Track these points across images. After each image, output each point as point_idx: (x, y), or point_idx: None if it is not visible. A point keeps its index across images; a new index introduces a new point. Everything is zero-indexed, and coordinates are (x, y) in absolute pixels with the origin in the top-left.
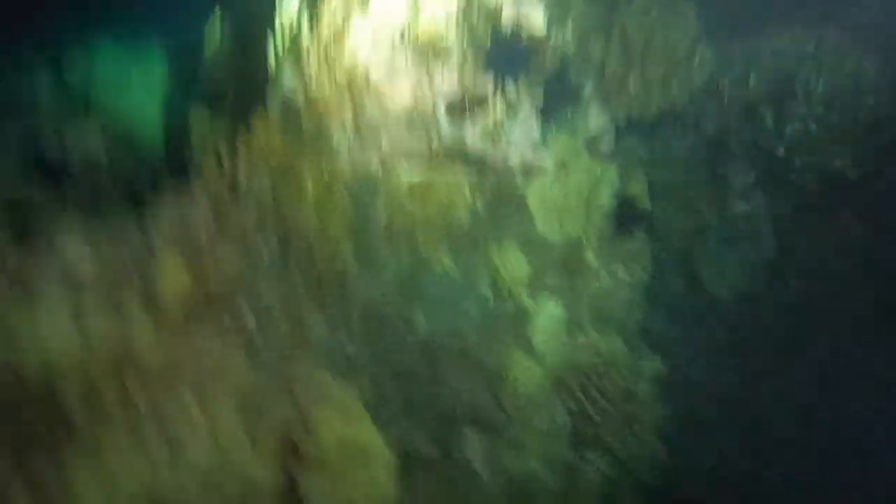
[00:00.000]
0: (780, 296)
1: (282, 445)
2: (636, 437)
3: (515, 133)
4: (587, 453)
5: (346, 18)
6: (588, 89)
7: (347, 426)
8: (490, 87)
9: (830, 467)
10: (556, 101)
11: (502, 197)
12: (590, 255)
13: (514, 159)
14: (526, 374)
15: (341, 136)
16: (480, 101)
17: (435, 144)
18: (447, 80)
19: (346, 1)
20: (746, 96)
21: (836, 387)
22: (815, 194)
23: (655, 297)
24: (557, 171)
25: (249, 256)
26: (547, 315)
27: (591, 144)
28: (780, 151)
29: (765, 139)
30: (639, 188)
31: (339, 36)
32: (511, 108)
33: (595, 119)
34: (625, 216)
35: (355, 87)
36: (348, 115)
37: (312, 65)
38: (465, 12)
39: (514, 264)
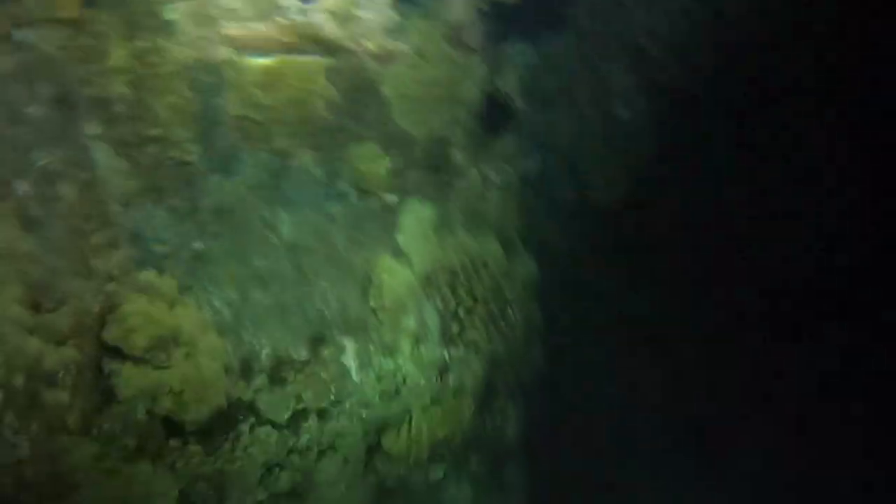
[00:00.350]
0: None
1: (76, 328)
2: (506, 337)
3: (369, 15)
4: (457, 353)
5: None
6: None
7: (166, 315)
8: None
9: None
10: None
11: (359, 87)
12: (457, 154)
13: (369, 45)
14: (394, 275)
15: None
16: None
17: (282, 23)
18: None
19: None
20: None
21: (720, 293)
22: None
23: (534, 201)
24: (416, 60)
25: None
26: (413, 215)
27: (455, 34)
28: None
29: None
30: (510, 85)
31: None
32: None
33: (456, 5)
34: (495, 115)
35: None
36: None
37: None
38: None
39: (374, 160)
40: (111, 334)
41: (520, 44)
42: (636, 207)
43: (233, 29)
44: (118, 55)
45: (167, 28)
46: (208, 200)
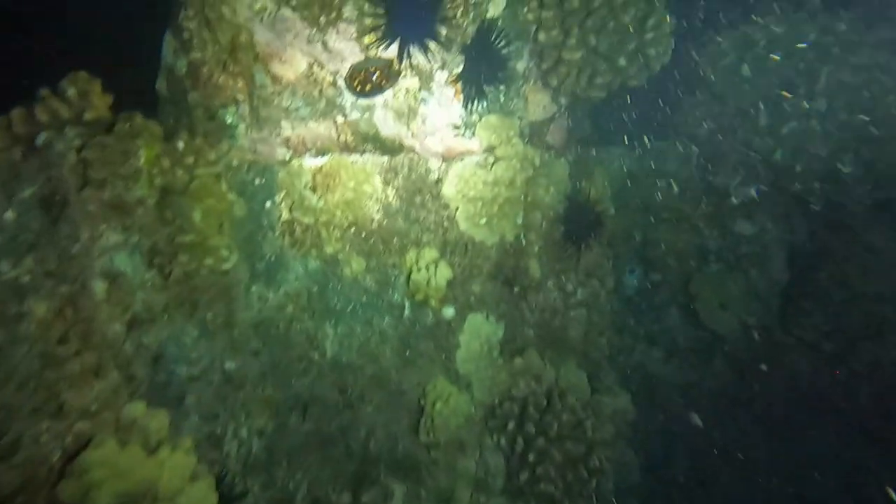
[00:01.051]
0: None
1: (26, 484)
2: (589, 492)
3: (433, 111)
4: None
5: None
6: (523, 61)
7: (141, 464)
8: (395, 51)
9: None
10: (482, 74)
11: (419, 188)
12: (531, 264)
13: (431, 141)
14: (451, 404)
15: (233, 113)
16: (386, 71)
17: (339, 122)
18: (344, 44)
19: None
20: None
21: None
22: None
23: (629, 323)
24: (485, 159)
25: None
26: (476, 333)
27: (534, 131)
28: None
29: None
30: (600, 190)
31: None
32: (424, 80)
33: (535, 99)
34: (580, 222)
35: (242, 53)
36: (239, 87)
37: (191, 25)
38: None
39: (433, 269)
40: (67, 491)
41: (614, 147)
42: (764, 339)
43: (289, 130)
44: (148, 157)
45: (226, 132)
46: (247, 314)
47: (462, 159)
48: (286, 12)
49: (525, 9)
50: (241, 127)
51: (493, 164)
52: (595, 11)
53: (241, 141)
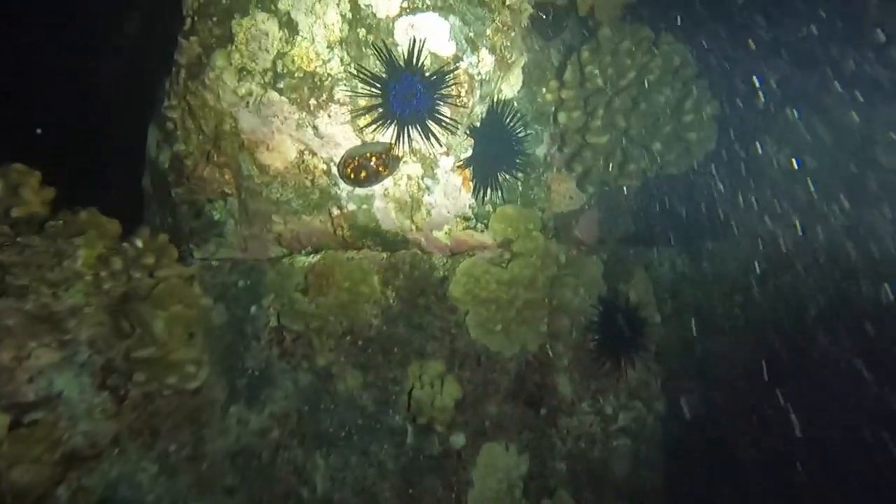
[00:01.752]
0: None
1: None
2: None
3: (437, 200)
4: None
5: (205, 51)
6: (543, 146)
7: None
8: (393, 134)
9: None
10: (495, 159)
11: (422, 289)
12: (560, 381)
13: (438, 235)
14: None
15: (221, 209)
16: (384, 157)
17: (335, 214)
18: (337, 128)
19: (208, 29)
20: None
21: None
22: None
23: (685, 455)
24: (499, 255)
25: None
26: (492, 466)
27: (560, 224)
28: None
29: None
30: (637, 292)
31: (195, 70)
32: (427, 166)
33: (560, 188)
34: (618, 331)
35: (226, 142)
36: (225, 179)
37: (174, 115)
38: (349, 34)
39: (439, 386)
40: None
41: (658, 244)
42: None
43: (281, 224)
44: (89, 258)
45: (214, 229)
46: (222, 442)
47: (472, 255)
48: (273, 96)
49: (543, 88)
50: (230, 223)
51: (509, 260)
52: (623, 91)
53: (231, 239)
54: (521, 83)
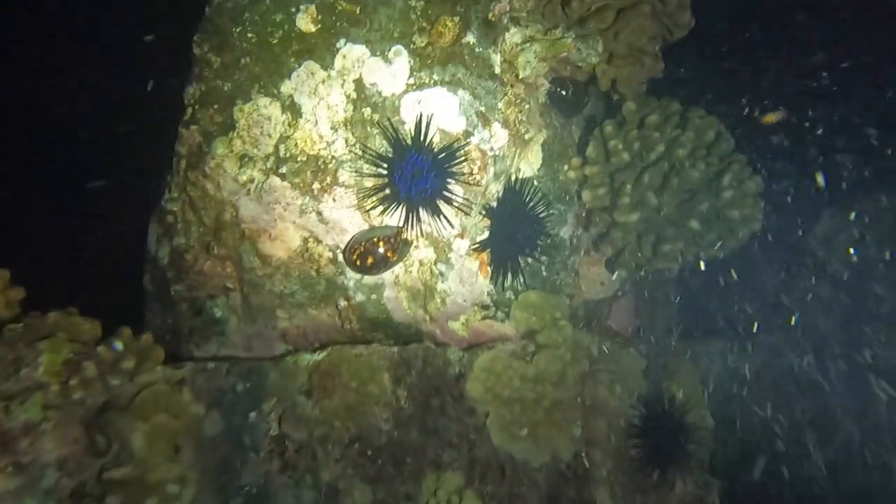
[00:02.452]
0: None
1: None
2: None
3: (452, 287)
4: None
5: (206, 139)
6: (568, 227)
7: None
8: (402, 217)
9: None
10: (514, 242)
11: (437, 387)
12: (601, 496)
13: (454, 326)
14: None
15: (223, 305)
16: (393, 241)
17: (342, 306)
18: (342, 213)
19: (209, 116)
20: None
21: None
22: None
23: None
24: (521, 346)
25: None
26: None
27: (589, 312)
28: None
29: None
30: (686, 391)
31: (195, 160)
32: (440, 250)
33: (590, 272)
34: (662, 435)
35: (227, 233)
36: (227, 272)
37: (174, 207)
38: (353, 114)
39: (458, 502)
40: None
41: (707, 336)
42: None
43: (286, 320)
44: (52, 365)
45: (215, 328)
46: None
47: (492, 348)
48: (275, 182)
49: (565, 166)
50: (233, 321)
51: (534, 353)
52: (653, 165)
53: (233, 337)
54: (540, 160)
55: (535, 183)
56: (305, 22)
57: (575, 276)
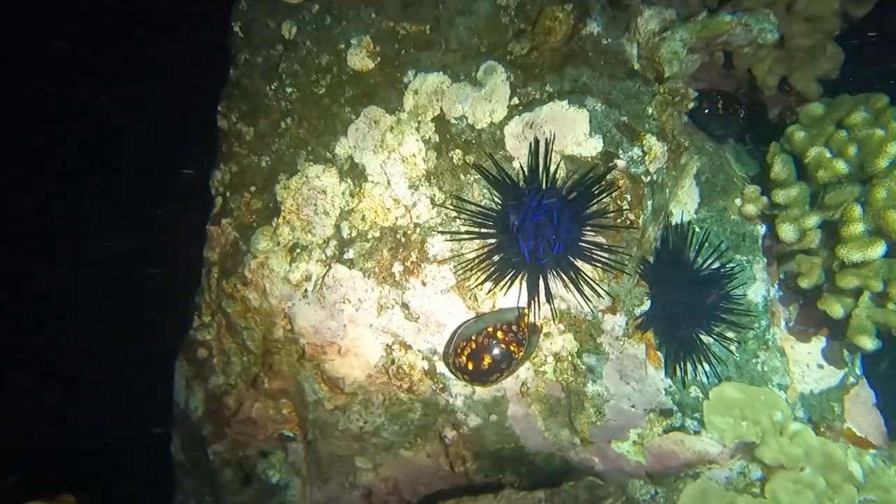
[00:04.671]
0: None
1: None
2: None
3: (610, 387)
4: None
5: (243, 234)
6: (760, 283)
7: None
8: (527, 293)
9: None
10: (692, 312)
11: None
12: None
13: (621, 449)
14: None
15: (280, 463)
16: (513, 330)
17: (450, 438)
18: (437, 300)
19: (244, 204)
20: None
21: None
22: None
23: None
24: (739, 469)
25: None
26: None
27: (812, 407)
28: None
29: None
30: None
31: (231, 264)
32: (585, 334)
33: (800, 348)
34: None
35: (280, 356)
36: (283, 415)
37: (208, 335)
38: (438, 162)
39: None
40: None
41: None
42: None
43: (370, 472)
44: None
45: (273, 498)
46: None
47: (695, 476)
48: (340, 272)
49: (735, 199)
50: (295, 485)
51: (762, 481)
52: (886, 175)
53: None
54: (697, 197)
55: (696, 228)
56: (360, 58)
57: (780, 356)
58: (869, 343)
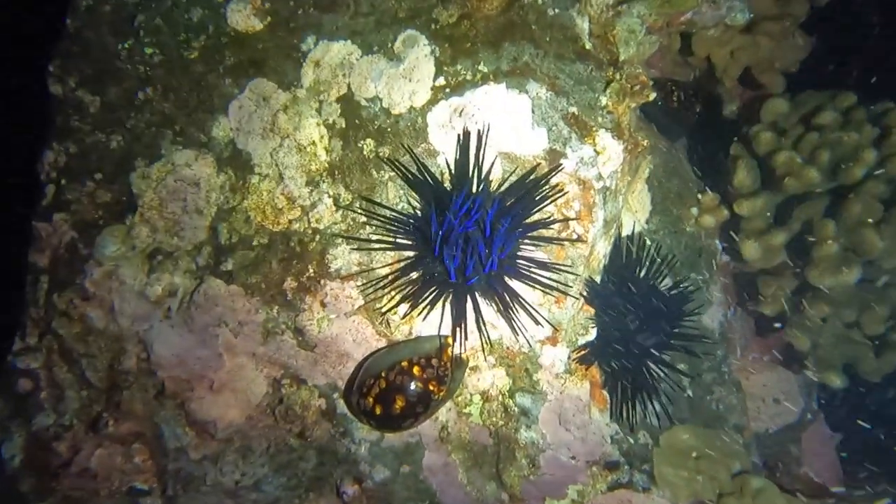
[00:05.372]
0: None
1: None
2: None
3: (547, 434)
4: None
5: (83, 234)
6: (715, 309)
7: None
8: (451, 319)
9: None
10: (642, 341)
11: None
12: None
13: None
14: None
15: None
16: (433, 365)
17: (351, 494)
18: (339, 325)
19: (87, 194)
20: None
21: None
22: None
23: None
24: None
25: None
26: None
27: (767, 451)
28: None
29: None
30: None
31: (66, 273)
32: (519, 370)
33: (756, 380)
34: None
35: (132, 391)
36: (136, 465)
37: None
38: (344, 153)
39: None
40: None
41: None
42: None
43: None
44: None
45: None
46: None
47: None
48: (215, 286)
49: (691, 209)
50: None
51: None
52: (863, 186)
53: None
54: (649, 203)
55: (648, 241)
56: (244, 16)
57: (737, 392)
58: (838, 380)
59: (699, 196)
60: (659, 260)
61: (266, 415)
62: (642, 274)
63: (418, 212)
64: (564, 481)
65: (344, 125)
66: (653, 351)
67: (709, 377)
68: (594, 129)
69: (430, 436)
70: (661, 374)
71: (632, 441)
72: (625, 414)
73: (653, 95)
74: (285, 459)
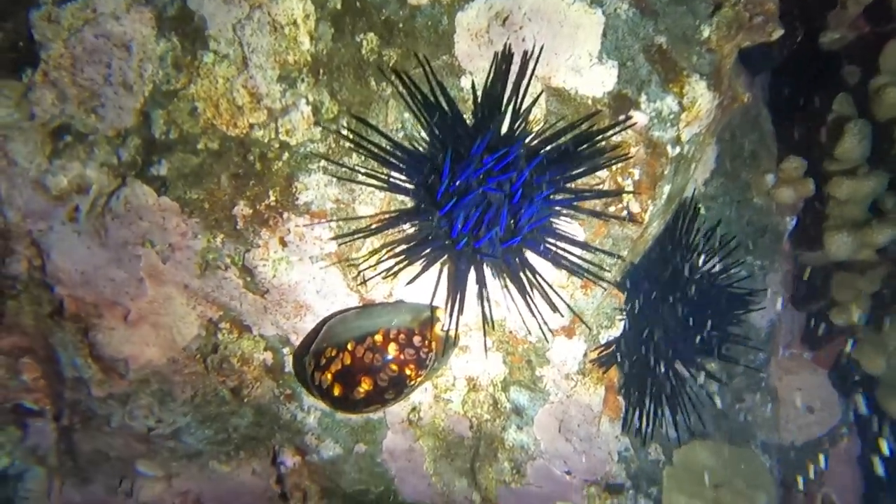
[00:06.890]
0: None
1: None
2: None
3: (539, 442)
4: None
5: None
6: (771, 306)
7: None
8: (447, 286)
9: None
10: (674, 341)
11: None
12: None
13: None
14: None
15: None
16: (412, 340)
17: (291, 465)
18: (304, 271)
19: None
20: None
21: None
22: None
23: None
24: None
25: None
26: None
27: (786, 471)
28: None
29: None
30: None
31: None
32: (518, 362)
33: (790, 383)
34: None
35: (23, 303)
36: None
37: None
38: (334, 43)
39: None
40: None
41: None
42: None
43: (157, 481)
44: None
45: None
46: None
47: None
48: (140, 194)
49: (766, 176)
50: (36, 477)
51: None
52: None
53: None
54: (713, 160)
55: (701, 209)
56: None
57: (772, 402)
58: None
59: (779, 162)
60: (712, 237)
61: (195, 360)
62: (689, 255)
63: (425, 149)
64: (552, 497)
65: (340, 5)
66: (691, 356)
67: (741, 381)
68: (685, 72)
69: (397, 415)
70: (690, 379)
71: (642, 458)
72: (640, 424)
73: (779, 33)
74: (213, 412)
